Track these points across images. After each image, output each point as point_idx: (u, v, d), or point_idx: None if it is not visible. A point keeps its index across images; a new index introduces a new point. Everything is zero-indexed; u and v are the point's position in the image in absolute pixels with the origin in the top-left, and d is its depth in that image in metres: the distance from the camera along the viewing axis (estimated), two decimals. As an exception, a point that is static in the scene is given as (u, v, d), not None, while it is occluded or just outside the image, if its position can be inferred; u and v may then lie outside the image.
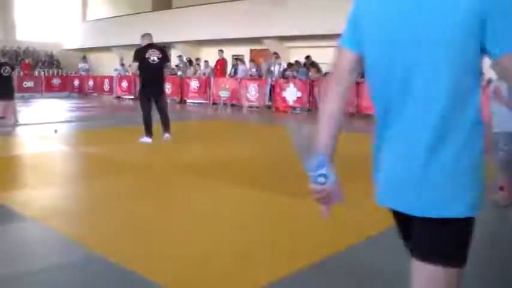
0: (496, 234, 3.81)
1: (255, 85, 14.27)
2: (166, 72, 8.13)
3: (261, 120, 12.43)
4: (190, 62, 17.77)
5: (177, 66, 17.62)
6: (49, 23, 26.26)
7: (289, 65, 14.70)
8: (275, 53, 15.57)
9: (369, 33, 1.39)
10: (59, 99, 18.67)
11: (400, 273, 2.84)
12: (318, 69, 14.00)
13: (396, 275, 2.82)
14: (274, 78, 14.10)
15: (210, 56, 17.76)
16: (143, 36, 7.89)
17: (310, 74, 13.59)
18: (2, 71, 9.57)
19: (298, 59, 14.60)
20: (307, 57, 14.47)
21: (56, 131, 8.70)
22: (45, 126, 9.53)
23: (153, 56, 7.61)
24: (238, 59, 16.43)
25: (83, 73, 22.51)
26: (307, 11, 15.36)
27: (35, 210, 3.95)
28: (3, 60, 10.11)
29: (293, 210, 4.09)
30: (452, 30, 1.21)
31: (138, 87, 17.63)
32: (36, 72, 21.87)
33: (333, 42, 13.84)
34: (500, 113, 4.22)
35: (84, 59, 24.49)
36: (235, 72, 15.77)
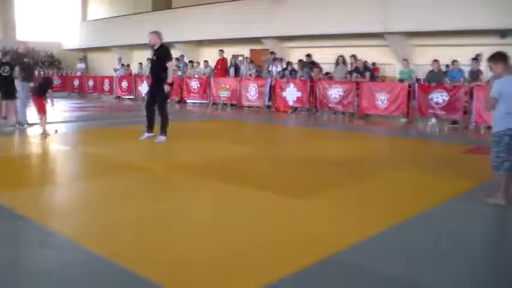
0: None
1: (255, 85, 14.27)
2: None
3: (260, 120, 12.43)
4: (190, 62, 17.78)
5: (176, 66, 17.63)
6: (49, 23, 26.25)
7: (288, 64, 14.70)
8: (272, 53, 15.55)
9: None
10: (59, 99, 18.63)
11: (400, 273, 2.85)
12: (320, 69, 14.00)
13: (396, 275, 2.83)
14: (274, 79, 14.09)
15: (210, 56, 17.76)
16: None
17: (313, 74, 13.58)
18: (1, 71, 9.56)
19: (301, 59, 14.56)
20: (308, 55, 14.43)
21: (56, 131, 8.70)
22: (47, 128, 9.52)
23: (152, 55, 7.98)
24: (236, 57, 16.45)
25: (80, 73, 22.60)
26: (307, 11, 15.36)
27: (35, 210, 3.95)
28: (4, 60, 10.08)
29: (293, 210, 4.09)
30: None
31: (138, 87, 17.87)
32: (36, 72, 21.83)
33: (333, 42, 13.82)
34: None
35: (84, 59, 24.50)
36: (235, 72, 15.79)
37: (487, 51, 9.99)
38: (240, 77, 15.25)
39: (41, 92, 8.54)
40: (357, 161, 6.48)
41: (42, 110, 8.42)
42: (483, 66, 11.06)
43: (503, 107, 4.19)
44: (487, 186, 4.71)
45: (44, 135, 8.18)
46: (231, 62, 16.28)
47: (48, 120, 8.61)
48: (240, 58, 16.39)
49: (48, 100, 8.64)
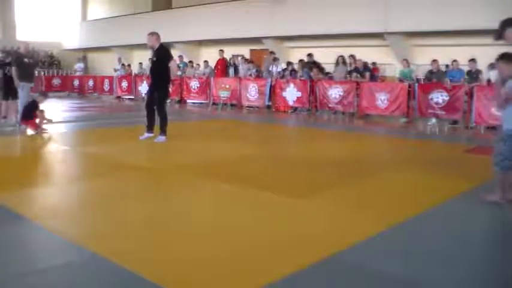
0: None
1: (255, 85, 14.27)
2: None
3: (261, 120, 12.43)
4: (190, 62, 17.79)
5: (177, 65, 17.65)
6: (49, 23, 26.25)
7: (289, 63, 14.69)
8: (272, 53, 15.54)
9: None
10: (59, 99, 18.65)
11: (400, 273, 2.85)
12: (321, 69, 13.98)
13: (396, 275, 2.83)
14: (274, 79, 14.09)
15: (210, 56, 17.76)
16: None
17: (312, 74, 13.57)
18: (3, 70, 9.57)
19: (302, 58, 14.54)
20: (309, 55, 14.41)
21: (51, 120, 8.71)
22: (45, 126, 9.53)
23: (152, 56, 7.95)
24: (235, 57, 16.44)
25: (78, 73, 22.61)
26: (307, 11, 15.35)
27: (35, 211, 3.95)
28: (7, 61, 10.11)
29: (293, 210, 4.09)
30: None
31: (138, 87, 17.87)
32: (36, 72, 21.84)
33: (333, 42, 13.78)
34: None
35: (83, 58, 24.50)
36: (235, 71, 15.78)
37: (486, 52, 10.06)
38: (236, 77, 15.24)
39: (28, 116, 8.41)
40: (357, 161, 6.48)
41: (34, 128, 8.35)
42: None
43: None
44: (487, 186, 4.71)
45: (41, 130, 8.18)
46: (229, 62, 16.28)
47: (46, 121, 8.62)
48: (239, 58, 16.39)
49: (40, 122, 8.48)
